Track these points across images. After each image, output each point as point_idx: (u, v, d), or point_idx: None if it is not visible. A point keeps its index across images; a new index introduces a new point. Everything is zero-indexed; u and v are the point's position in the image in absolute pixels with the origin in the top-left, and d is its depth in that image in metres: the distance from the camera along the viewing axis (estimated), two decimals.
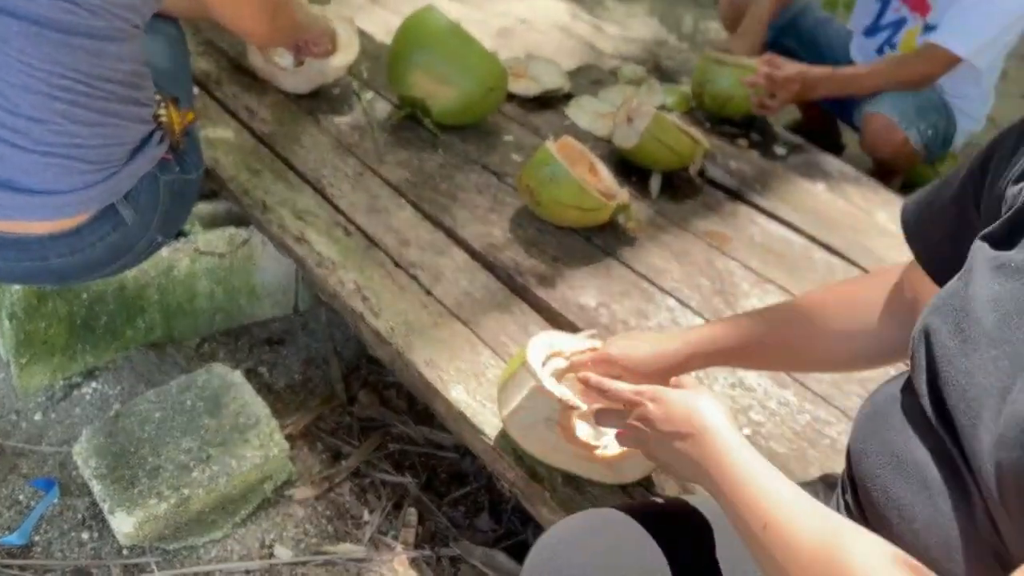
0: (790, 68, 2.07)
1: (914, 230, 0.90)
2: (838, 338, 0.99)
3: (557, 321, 1.49)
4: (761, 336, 1.05)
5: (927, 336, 0.73)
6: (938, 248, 0.86)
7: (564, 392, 1.11)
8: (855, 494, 0.80)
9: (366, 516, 1.50)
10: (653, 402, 0.91)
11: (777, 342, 1.04)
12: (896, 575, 0.63)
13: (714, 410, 0.86)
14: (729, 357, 1.08)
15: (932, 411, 0.71)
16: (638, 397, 0.94)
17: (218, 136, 1.81)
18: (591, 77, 2.24)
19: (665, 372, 1.06)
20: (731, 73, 2.04)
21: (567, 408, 1.11)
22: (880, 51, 2.30)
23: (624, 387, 0.98)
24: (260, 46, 1.87)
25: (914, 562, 0.65)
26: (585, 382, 1.06)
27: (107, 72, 1.27)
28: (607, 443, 1.16)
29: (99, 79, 1.26)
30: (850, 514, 0.81)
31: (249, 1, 1.50)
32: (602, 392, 1.02)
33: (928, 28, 2.18)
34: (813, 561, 0.68)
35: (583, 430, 1.16)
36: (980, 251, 0.73)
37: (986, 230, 0.74)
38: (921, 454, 0.72)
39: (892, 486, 0.74)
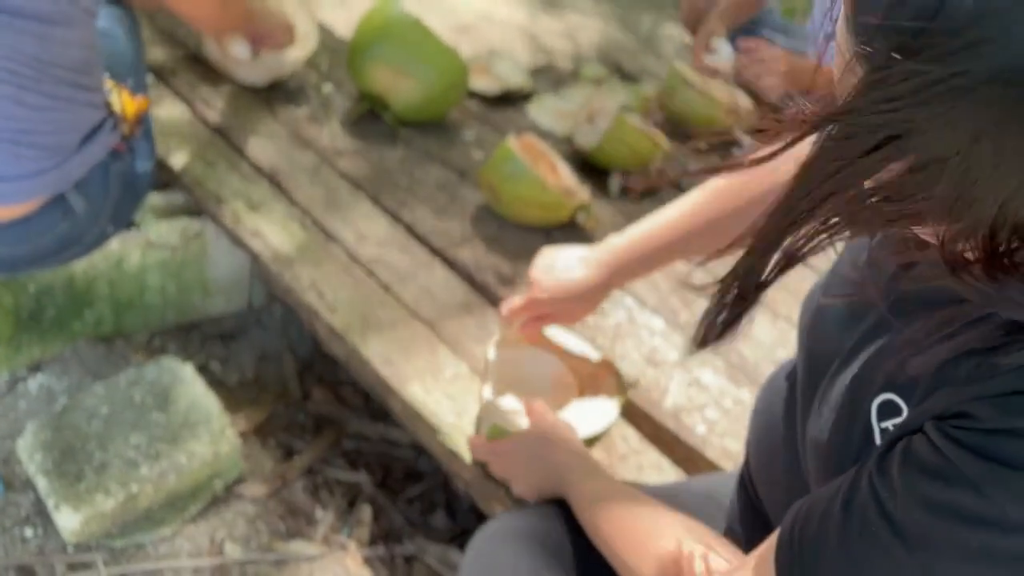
0: (768, 51, 2.10)
1: None
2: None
3: None
4: (687, 225, 1.03)
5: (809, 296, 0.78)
6: None
7: (491, 354, 1.19)
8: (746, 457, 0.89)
9: (319, 514, 1.48)
10: (498, 459, 1.08)
11: (706, 224, 1.01)
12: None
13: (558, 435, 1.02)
14: (654, 261, 1.07)
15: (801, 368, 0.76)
16: (491, 451, 1.10)
17: (172, 127, 1.77)
18: (552, 76, 2.24)
19: (589, 299, 1.11)
20: (695, 98, 2.03)
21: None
22: None
23: (485, 445, 1.13)
24: (209, 33, 1.84)
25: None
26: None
27: (55, 56, 1.24)
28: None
29: (47, 63, 1.23)
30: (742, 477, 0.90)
31: None
32: (473, 447, 1.16)
33: None
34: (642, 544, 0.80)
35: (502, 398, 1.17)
36: None
37: None
38: (781, 410, 0.79)
39: (761, 439, 0.83)
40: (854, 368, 0.65)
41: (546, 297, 1.12)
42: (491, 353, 1.18)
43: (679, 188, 1.87)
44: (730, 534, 0.92)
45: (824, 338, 0.71)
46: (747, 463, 0.89)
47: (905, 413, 0.59)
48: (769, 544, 0.63)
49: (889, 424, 0.60)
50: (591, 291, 1.10)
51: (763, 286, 0.55)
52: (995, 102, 0.40)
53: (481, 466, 1.20)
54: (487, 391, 1.15)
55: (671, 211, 1.04)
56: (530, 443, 1.06)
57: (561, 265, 1.11)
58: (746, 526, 0.88)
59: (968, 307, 0.54)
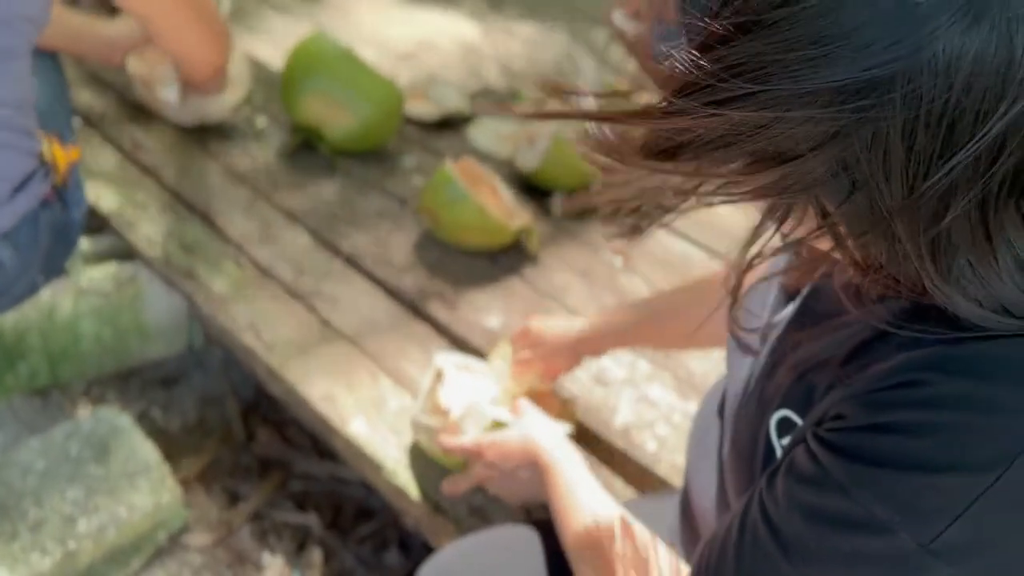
0: None
1: None
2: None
3: (462, 345, 1.46)
4: (673, 311, 1.07)
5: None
6: None
7: (443, 362, 1.16)
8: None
9: (267, 559, 1.43)
10: (490, 448, 1.03)
11: (694, 315, 1.05)
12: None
13: (543, 434, 0.99)
14: (639, 337, 1.13)
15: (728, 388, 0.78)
16: (477, 447, 1.05)
17: (101, 170, 1.74)
18: (492, 99, 2.23)
19: (570, 349, 1.15)
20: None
21: (436, 376, 1.15)
22: None
23: (466, 441, 1.07)
24: (208, 75, 1.76)
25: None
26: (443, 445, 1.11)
27: (3, 95, 1.20)
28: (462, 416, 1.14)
29: None
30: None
31: (199, 32, 1.47)
32: (449, 449, 1.10)
33: None
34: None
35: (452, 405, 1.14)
36: None
37: None
38: (713, 433, 0.80)
39: (694, 456, 0.84)
40: (756, 382, 0.64)
41: (531, 328, 1.17)
42: (443, 364, 1.17)
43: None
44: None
45: (739, 357, 0.70)
46: (687, 482, 0.87)
47: (797, 429, 0.58)
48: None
49: (788, 440, 0.59)
50: (565, 345, 1.15)
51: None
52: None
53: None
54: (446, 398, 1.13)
55: (669, 297, 1.13)
56: (524, 446, 1.01)
57: (553, 318, 1.19)
58: (686, 546, 0.86)
59: (858, 313, 0.54)
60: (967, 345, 0.48)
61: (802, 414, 0.58)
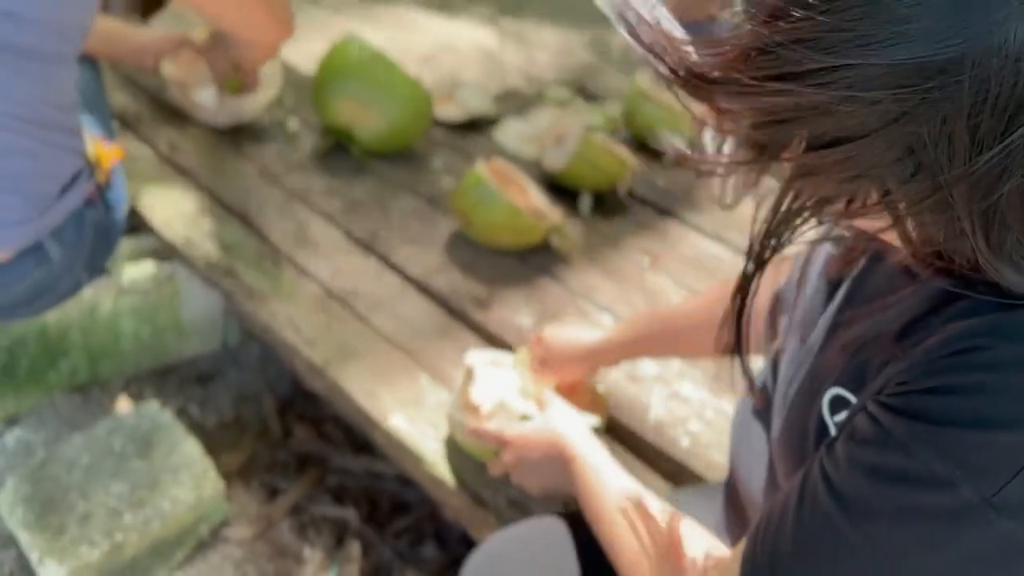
0: None
1: None
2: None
3: (495, 343, 1.48)
4: (692, 320, 1.08)
5: (775, 303, 0.81)
6: None
7: (474, 360, 1.20)
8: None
9: (307, 553, 1.46)
10: (514, 438, 1.06)
11: (711, 322, 1.07)
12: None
13: (567, 426, 1.01)
14: (657, 348, 1.15)
15: (769, 379, 0.79)
16: (501, 436, 1.08)
17: (139, 171, 1.77)
18: (518, 101, 2.25)
19: (583, 360, 1.18)
20: (657, 112, 2.03)
21: (468, 375, 1.19)
22: None
23: (491, 429, 1.11)
24: (269, 57, 1.79)
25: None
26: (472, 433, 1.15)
27: (53, 97, 1.23)
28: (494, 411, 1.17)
29: (45, 104, 1.22)
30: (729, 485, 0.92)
31: (258, 11, 1.50)
32: (477, 437, 1.13)
33: None
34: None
35: (483, 399, 1.17)
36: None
37: None
38: (757, 426, 0.81)
39: (740, 450, 0.85)
40: (809, 365, 0.67)
41: (544, 336, 1.20)
42: (474, 363, 1.21)
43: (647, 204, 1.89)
44: None
45: (784, 347, 0.73)
46: (731, 474, 0.89)
47: (854, 403, 0.60)
48: (739, 546, 0.65)
49: (841, 417, 0.61)
50: (577, 356, 1.17)
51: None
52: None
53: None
54: (479, 394, 1.16)
55: (682, 307, 1.14)
56: (547, 437, 1.04)
57: (567, 327, 1.22)
58: (733, 536, 0.88)
59: (909, 290, 0.57)
60: (1021, 311, 0.50)
61: (855, 391, 0.60)
